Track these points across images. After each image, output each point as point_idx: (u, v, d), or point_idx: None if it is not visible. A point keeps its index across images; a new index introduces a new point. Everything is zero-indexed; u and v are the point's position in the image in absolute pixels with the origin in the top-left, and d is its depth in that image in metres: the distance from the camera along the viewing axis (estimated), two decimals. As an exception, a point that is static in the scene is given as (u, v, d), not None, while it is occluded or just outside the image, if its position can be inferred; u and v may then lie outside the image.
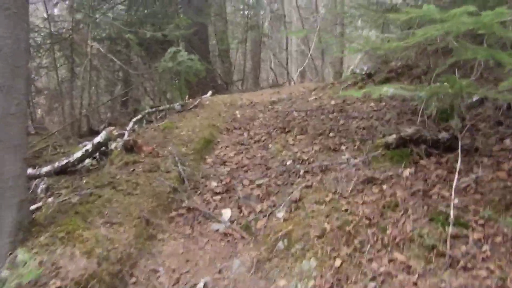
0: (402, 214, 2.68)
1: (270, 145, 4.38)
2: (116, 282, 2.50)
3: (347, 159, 3.42)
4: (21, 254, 2.42)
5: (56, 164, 4.40)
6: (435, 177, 2.94)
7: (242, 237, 2.98)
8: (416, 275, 2.20)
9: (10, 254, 2.44)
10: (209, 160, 4.26)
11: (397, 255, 2.38)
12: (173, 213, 3.31)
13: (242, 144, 4.58)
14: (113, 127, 4.96)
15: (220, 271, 2.69)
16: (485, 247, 2.26)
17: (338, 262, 2.43)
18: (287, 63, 14.30)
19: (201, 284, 2.54)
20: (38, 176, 4.46)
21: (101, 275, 2.43)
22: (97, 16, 7.55)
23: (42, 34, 7.56)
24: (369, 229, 2.61)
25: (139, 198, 3.27)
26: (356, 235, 2.59)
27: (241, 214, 3.25)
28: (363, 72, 5.65)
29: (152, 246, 2.90)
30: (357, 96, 3.64)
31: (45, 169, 4.46)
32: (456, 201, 2.57)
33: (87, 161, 4.46)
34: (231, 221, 3.19)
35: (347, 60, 14.02)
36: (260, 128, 5.01)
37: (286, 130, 4.65)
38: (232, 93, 9.21)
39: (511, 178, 2.70)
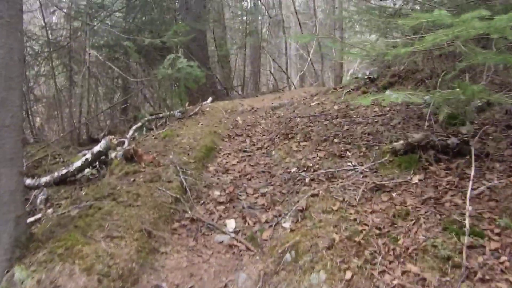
0: (414, 223, 2.58)
1: (273, 152, 4.29)
2: (117, 299, 2.40)
3: (353, 166, 3.33)
4: (18, 272, 2.32)
5: (56, 174, 4.32)
6: (446, 184, 2.84)
7: (248, 249, 2.88)
8: (432, 288, 2.10)
9: (7, 272, 2.34)
10: (211, 168, 4.17)
11: (410, 266, 2.28)
12: (176, 225, 3.21)
13: (244, 151, 4.49)
14: (113, 136, 4.89)
15: (225, 286, 2.59)
16: (503, 258, 2.17)
17: (348, 274, 2.33)
18: (286, 68, 14.26)
19: (206, 300, 2.44)
20: (37, 187, 4.38)
21: (102, 292, 2.33)
22: (95, 23, 7.48)
23: (40, 42, 7.50)
24: (380, 239, 2.51)
25: (140, 209, 3.17)
26: (366, 246, 2.49)
27: (246, 225, 3.15)
28: (366, 77, 5.57)
29: (154, 260, 2.79)
30: (366, 104, 3.55)
31: (45, 179, 4.39)
32: (470, 209, 2.48)
33: (87, 170, 4.38)
34: (236, 232, 3.08)
35: (347, 63, 13.99)
36: (262, 135, 4.92)
37: (289, 136, 4.56)
38: (233, 99, 9.14)
39: (525, 184, 2.62)
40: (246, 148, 4.57)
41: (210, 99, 7.96)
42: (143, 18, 8.85)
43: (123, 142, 5.16)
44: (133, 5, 8.84)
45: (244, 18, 14.07)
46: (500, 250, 2.23)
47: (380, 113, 4.37)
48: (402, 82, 5.02)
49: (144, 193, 3.42)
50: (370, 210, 2.79)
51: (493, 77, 3.61)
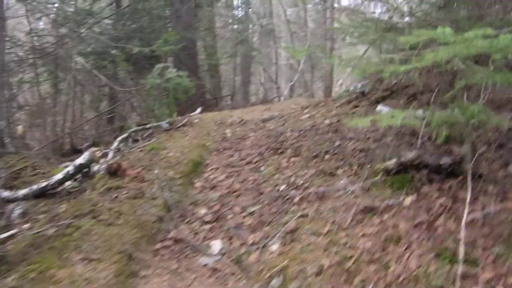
0: (406, 249, 2.48)
1: (262, 168, 4.18)
2: (92, 329, 2.24)
3: (345, 185, 3.23)
4: (-16, 301, 2.16)
5: (35, 187, 4.13)
6: (439, 207, 2.76)
7: (233, 273, 2.75)
8: (425, 321, 2.00)
9: (-28, 300, 2.18)
10: (198, 184, 4.03)
11: (402, 296, 2.18)
12: (158, 245, 3.06)
13: (232, 166, 4.37)
14: (97, 148, 4.72)
15: (209, 313, 2.46)
16: (498, 289, 2.08)
17: (338, 304, 2.22)
18: (276, 78, 14.23)
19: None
20: (15, 200, 4.17)
21: (75, 323, 2.17)
22: (82, 30, 7.32)
23: (25, 48, 7.30)
24: (371, 266, 2.41)
25: (121, 229, 3.02)
26: (356, 273, 2.38)
27: (232, 246, 3.02)
28: (357, 90, 5.51)
29: (134, 284, 2.64)
30: (364, 125, 3.47)
31: (23, 191, 4.18)
32: (463, 236, 2.39)
33: (68, 183, 4.20)
34: (222, 254, 2.95)
35: (337, 74, 14.00)
36: (251, 149, 4.81)
37: (279, 151, 4.45)
38: (222, 109, 9.03)
39: (520, 210, 2.54)
40: (234, 163, 4.45)
41: (199, 109, 7.84)
42: (133, 25, 8.72)
43: (107, 153, 5.00)
44: (122, 13, 8.72)
45: (235, 27, 14.06)
46: (493, 281, 2.14)
47: (372, 129, 4.29)
48: (394, 96, 4.97)
49: (126, 211, 3.28)
50: (361, 234, 2.69)
51: (490, 95, 3.56)
